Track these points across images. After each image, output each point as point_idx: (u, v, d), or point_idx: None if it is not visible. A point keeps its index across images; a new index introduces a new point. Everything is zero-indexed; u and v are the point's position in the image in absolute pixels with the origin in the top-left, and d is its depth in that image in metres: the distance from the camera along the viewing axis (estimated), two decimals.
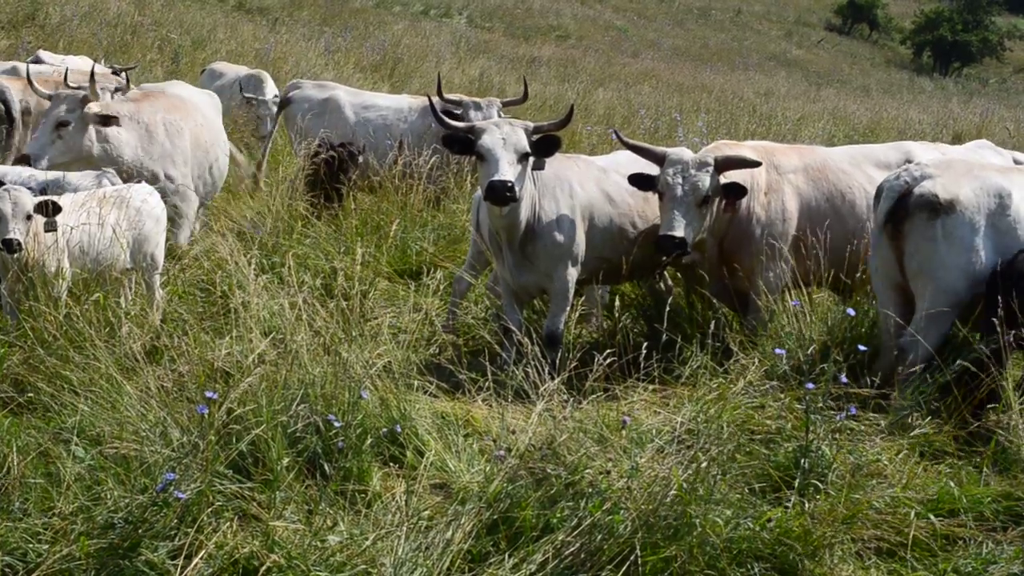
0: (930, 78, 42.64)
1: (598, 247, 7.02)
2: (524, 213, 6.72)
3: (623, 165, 7.27)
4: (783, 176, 7.15)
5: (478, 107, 10.17)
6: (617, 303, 7.02)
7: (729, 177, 6.83)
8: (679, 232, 6.63)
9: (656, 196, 6.92)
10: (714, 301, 7.36)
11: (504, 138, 6.52)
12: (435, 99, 10.61)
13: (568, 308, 6.93)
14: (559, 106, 17.91)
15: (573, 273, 6.89)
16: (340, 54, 20.61)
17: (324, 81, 12.35)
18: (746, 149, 7.17)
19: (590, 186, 7.07)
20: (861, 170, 7.39)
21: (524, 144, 6.56)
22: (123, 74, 11.61)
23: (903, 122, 22.96)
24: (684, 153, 6.89)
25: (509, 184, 6.38)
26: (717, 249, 7.10)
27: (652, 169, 6.90)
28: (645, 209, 7.17)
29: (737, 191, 6.78)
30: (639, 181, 6.89)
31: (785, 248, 7.02)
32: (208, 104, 9.23)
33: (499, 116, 10.11)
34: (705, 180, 6.74)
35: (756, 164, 6.91)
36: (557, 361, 6.28)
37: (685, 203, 6.72)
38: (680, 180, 6.74)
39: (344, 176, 9.49)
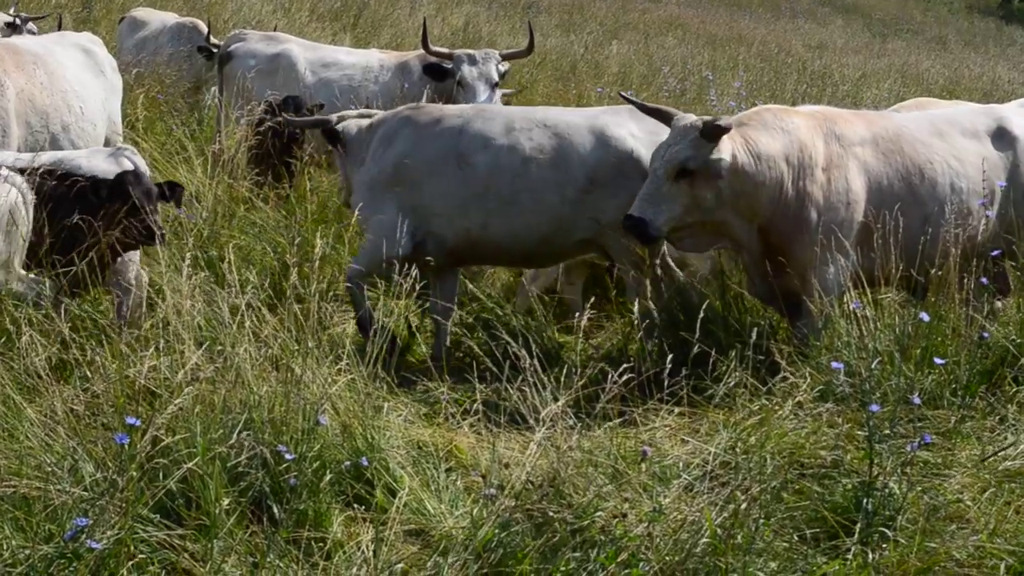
0: (1022, 27, 42.72)
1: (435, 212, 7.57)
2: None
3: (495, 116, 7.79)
4: (847, 150, 7.15)
5: (472, 61, 10.18)
6: (635, 307, 7.03)
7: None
8: (635, 211, 6.83)
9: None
10: (754, 302, 7.37)
11: None
12: (419, 52, 10.71)
13: (365, 261, 7.52)
14: (563, 62, 17.94)
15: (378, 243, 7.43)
16: None
17: (273, 32, 12.34)
18: (799, 116, 7.18)
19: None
20: (944, 141, 7.40)
21: None
22: (30, 24, 11.62)
23: (989, 82, 23.04)
24: (687, 119, 6.99)
25: None
26: (758, 239, 7.12)
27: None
28: (525, 169, 7.49)
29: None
30: None
31: (848, 238, 7.02)
32: (69, 61, 9.07)
33: (498, 71, 10.13)
34: (682, 150, 6.84)
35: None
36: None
37: (656, 177, 6.86)
38: (663, 149, 6.91)
39: (297, 148, 9.48)
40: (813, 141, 7.06)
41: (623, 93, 7.82)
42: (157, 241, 6.62)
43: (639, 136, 7.50)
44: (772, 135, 7.04)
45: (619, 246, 7.42)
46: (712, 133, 6.81)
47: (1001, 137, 7.55)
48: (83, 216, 6.51)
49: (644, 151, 7.34)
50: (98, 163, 6.96)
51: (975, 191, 7.30)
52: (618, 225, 7.14)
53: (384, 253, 7.30)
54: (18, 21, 11.63)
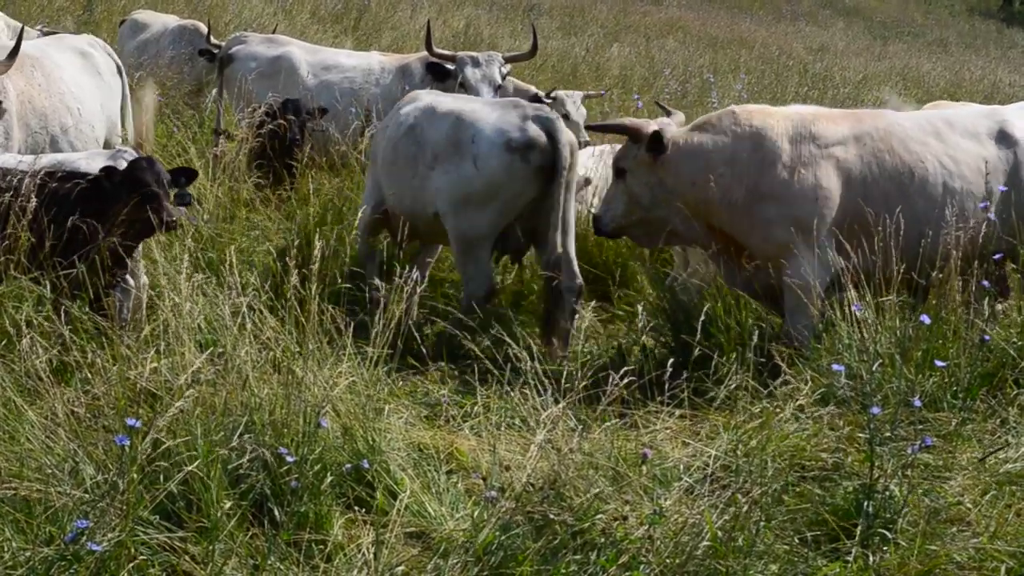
0: (1023, 30, 42.71)
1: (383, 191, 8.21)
2: None
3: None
4: (823, 149, 7.22)
5: (476, 63, 10.22)
6: (640, 309, 7.05)
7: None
8: (595, 209, 7.79)
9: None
10: (755, 304, 7.38)
11: None
12: (420, 54, 10.74)
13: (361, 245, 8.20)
14: (564, 65, 17.94)
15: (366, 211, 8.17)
16: (293, 1, 20.60)
17: (274, 35, 12.34)
18: (767, 116, 7.35)
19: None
20: (941, 141, 7.39)
21: None
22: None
23: (990, 84, 23.04)
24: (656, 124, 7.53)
25: None
26: (713, 236, 7.37)
27: None
28: (399, 143, 8.03)
29: (655, 145, 7.28)
30: None
31: (818, 235, 7.07)
32: (66, 63, 9.07)
33: (500, 73, 10.16)
34: (618, 152, 7.56)
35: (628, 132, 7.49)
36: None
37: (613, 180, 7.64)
38: None
39: (297, 150, 9.48)
40: (775, 141, 7.21)
41: (636, 96, 8.26)
42: (165, 227, 6.61)
43: (489, 122, 7.72)
44: (716, 136, 7.31)
45: (449, 229, 7.77)
46: (633, 136, 7.35)
47: (1003, 139, 7.53)
48: (96, 210, 6.52)
49: (495, 135, 7.62)
50: (97, 165, 6.95)
51: (971, 192, 7.30)
52: (448, 206, 7.66)
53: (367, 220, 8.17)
54: (39, 34, 11.63)
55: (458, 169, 7.64)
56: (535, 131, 7.55)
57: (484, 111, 7.83)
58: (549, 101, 10.57)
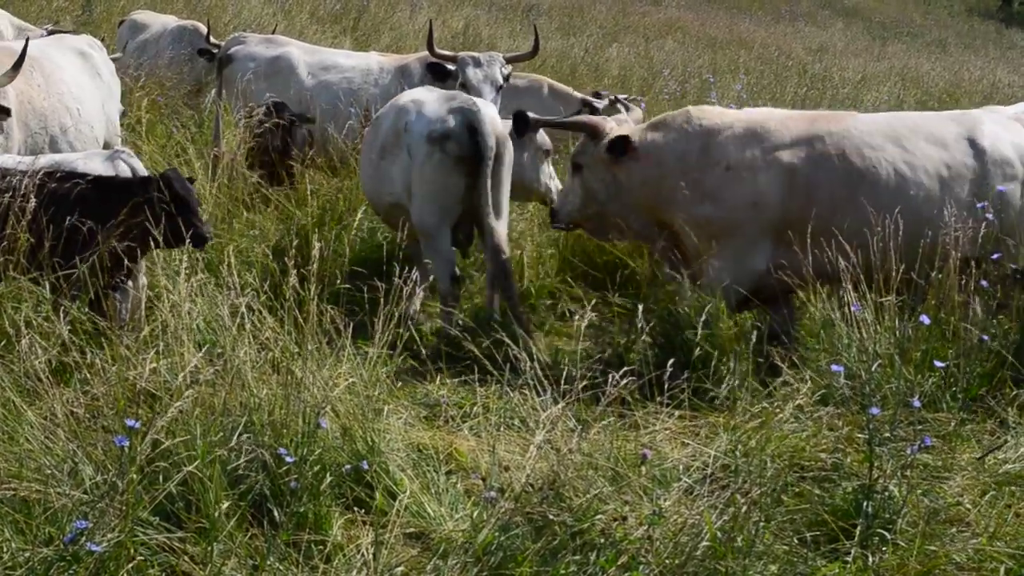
0: (1022, 30, 42.72)
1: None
2: None
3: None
4: (768, 153, 7.30)
5: (477, 63, 10.21)
6: (639, 308, 7.04)
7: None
8: (555, 202, 8.18)
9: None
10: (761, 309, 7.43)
11: None
12: (418, 55, 10.74)
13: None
14: (563, 65, 17.93)
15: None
16: (292, 2, 20.60)
17: (273, 35, 12.33)
18: (721, 116, 7.55)
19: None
20: (899, 146, 7.32)
21: None
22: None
23: (988, 85, 23.04)
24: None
25: None
26: (665, 235, 7.58)
27: None
28: (367, 135, 8.50)
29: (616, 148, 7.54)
30: None
31: (753, 236, 7.23)
32: (66, 63, 9.07)
33: (502, 73, 10.17)
34: (576, 147, 7.85)
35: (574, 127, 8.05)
36: None
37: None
38: None
39: (294, 150, 9.48)
40: (722, 142, 7.36)
41: (640, 98, 8.55)
42: (202, 242, 6.66)
43: (421, 112, 7.89)
44: (668, 135, 7.50)
45: (413, 217, 7.87)
46: (591, 133, 7.66)
47: (971, 146, 7.42)
48: (128, 215, 6.52)
49: (422, 126, 7.79)
50: (95, 165, 6.95)
51: (929, 199, 7.24)
52: (404, 197, 7.85)
53: None
54: (44, 34, 11.64)
55: (399, 159, 7.90)
56: (453, 122, 7.72)
57: (422, 101, 8.01)
58: (598, 103, 11.20)
